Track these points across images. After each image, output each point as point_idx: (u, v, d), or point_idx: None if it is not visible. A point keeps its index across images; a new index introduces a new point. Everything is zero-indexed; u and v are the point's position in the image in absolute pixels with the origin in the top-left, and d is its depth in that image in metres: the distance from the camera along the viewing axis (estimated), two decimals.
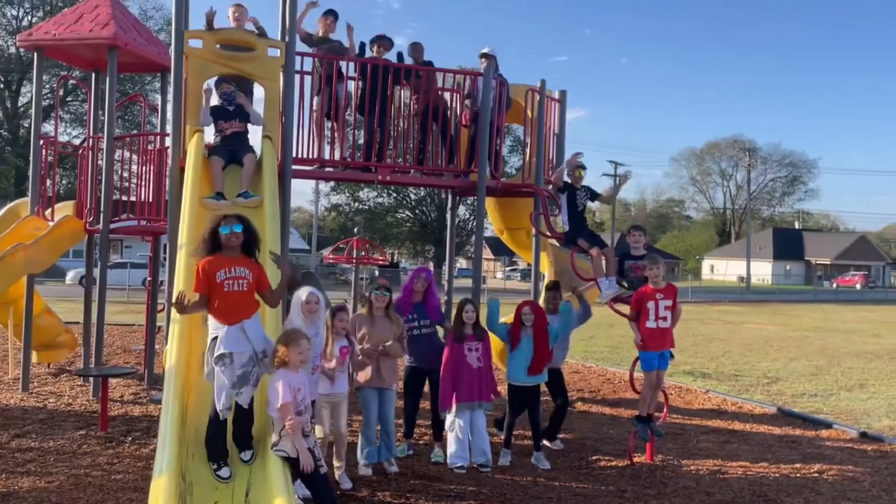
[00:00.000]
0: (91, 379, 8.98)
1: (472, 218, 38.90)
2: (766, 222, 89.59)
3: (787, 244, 77.26)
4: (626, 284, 7.11)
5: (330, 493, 4.74)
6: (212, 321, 4.70)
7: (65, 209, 9.70)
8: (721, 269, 73.40)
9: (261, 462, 4.68)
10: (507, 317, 7.34)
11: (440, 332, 6.86)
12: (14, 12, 44.23)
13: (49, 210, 9.54)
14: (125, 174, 10.84)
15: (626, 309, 6.83)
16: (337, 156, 7.89)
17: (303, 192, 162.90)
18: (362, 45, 7.99)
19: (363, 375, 6.16)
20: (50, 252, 8.87)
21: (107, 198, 8.68)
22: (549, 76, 8.87)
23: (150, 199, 8.70)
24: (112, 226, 8.85)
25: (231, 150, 6.61)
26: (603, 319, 13.62)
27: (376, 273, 33.57)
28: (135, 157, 9.58)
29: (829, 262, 73.61)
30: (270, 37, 7.10)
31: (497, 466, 6.42)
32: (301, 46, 7.41)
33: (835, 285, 61.33)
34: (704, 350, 15.97)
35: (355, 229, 42.44)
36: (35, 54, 9.47)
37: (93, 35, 8.77)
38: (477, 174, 8.04)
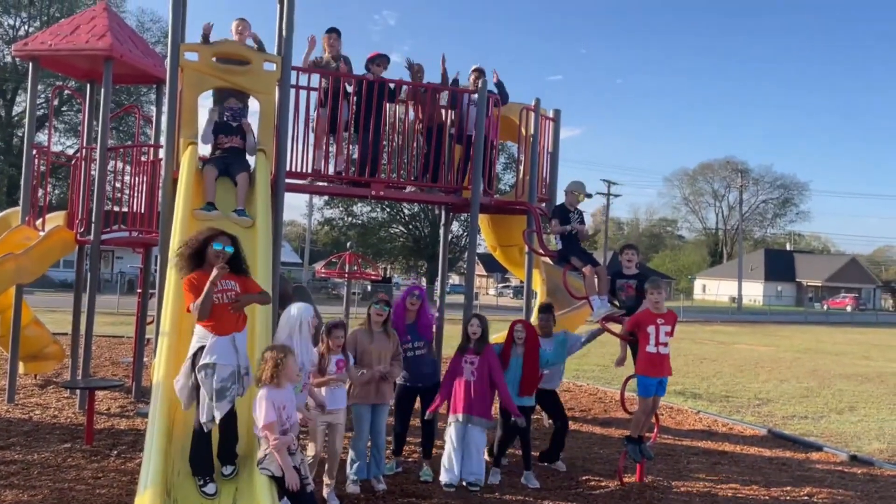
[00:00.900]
0: (78, 391, 8.89)
1: (465, 234, 38.99)
2: (757, 243, 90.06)
3: (779, 265, 77.60)
4: (617, 303, 7.10)
5: None
6: (199, 330, 4.66)
7: (56, 219, 9.65)
8: (713, 289, 73.56)
9: (247, 478, 4.63)
10: (500, 334, 7.32)
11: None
12: (11, 21, 44.34)
13: (40, 220, 9.49)
14: (118, 185, 10.80)
15: (617, 328, 6.81)
16: (331, 171, 7.89)
17: (296, 205, 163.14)
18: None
19: (359, 391, 6.12)
20: (40, 262, 8.80)
21: (98, 208, 8.65)
22: (543, 95, 8.90)
23: (143, 211, 8.67)
24: (103, 237, 8.80)
25: (226, 163, 6.61)
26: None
27: (369, 288, 33.49)
28: (128, 168, 9.57)
29: (819, 284, 73.93)
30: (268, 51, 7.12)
31: (487, 486, 6.36)
32: (297, 61, 7.42)
33: (825, 307, 61.55)
34: (696, 370, 15.97)
35: (348, 244, 42.41)
36: (31, 64, 9.45)
37: (89, 46, 8.78)
38: (470, 191, 8.05)
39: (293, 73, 7.28)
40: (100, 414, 8.31)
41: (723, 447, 8.36)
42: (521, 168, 9.02)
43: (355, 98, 7.72)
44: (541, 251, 7.97)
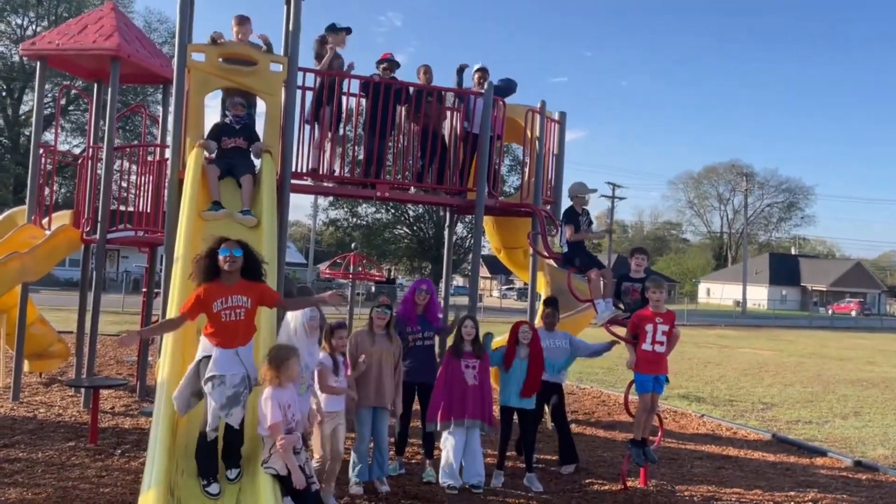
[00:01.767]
0: (82, 389, 8.92)
1: (469, 236, 38.99)
2: (762, 247, 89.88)
3: (784, 269, 77.42)
4: (622, 307, 7.08)
5: None
6: (204, 342, 4.65)
7: (62, 218, 9.68)
8: (717, 292, 73.45)
9: (250, 478, 4.63)
10: (504, 336, 7.31)
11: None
12: (19, 21, 44.51)
13: (46, 219, 9.52)
14: (124, 184, 10.83)
15: (622, 331, 6.80)
16: (337, 171, 7.90)
17: (301, 206, 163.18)
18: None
19: (360, 393, 6.12)
20: (45, 261, 8.84)
21: (105, 208, 8.67)
22: (548, 97, 8.91)
23: (148, 210, 8.69)
24: (109, 236, 8.83)
25: (229, 163, 6.62)
26: (598, 341, 13.57)
27: (373, 289, 33.51)
28: (134, 167, 9.59)
29: (824, 289, 73.72)
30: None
31: (489, 488, 6.36)
32: (303, 62, 7.44)
33: (830, 312, 61.39)
34: (700, 374, 15.93)
35: (353, 244, 42.46)
36: (38, 63, 9.49)
37: (96, 46, 8.81)
38: (475, 193, 8.05)
39: (300, 74, 7.29)
40: (104, 413, 8.33)
41: (727, 451, 8.34)
42: (526, 170, 9.03)
43: (363, 100, 7.73)
44: (545, 254, 7.96)
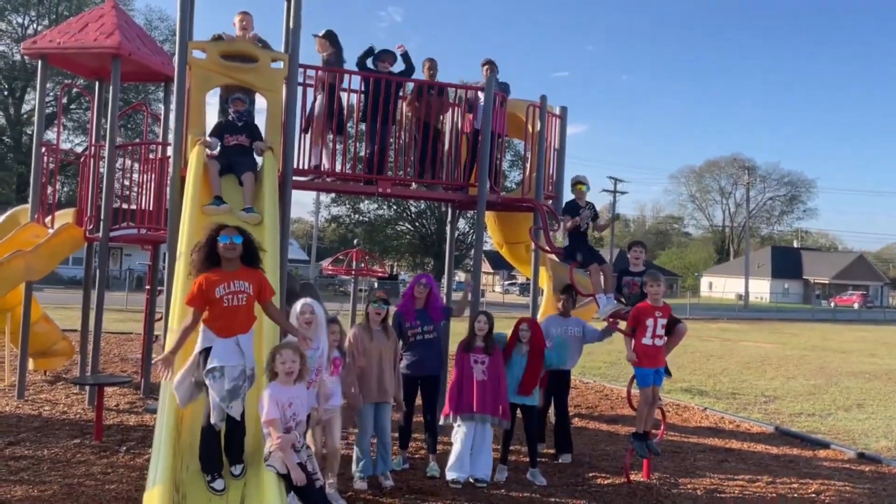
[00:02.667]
0: (87, 387, 8.95)
1: (471, 231, 38.96)
2: (764, 240, 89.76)
3: (786, 263, 77.28)
4: (623, 300, 7.10)
5: None
6: (204, 332, 4.64)
7: (65, 217, 9.70)
8: (719, 286, 73.27)
9: (255, 474, 4.65)
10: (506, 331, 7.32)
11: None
12: (20, 20, 44.54)
13: (49, 217, 9.54)
14: (126, 182, 10.85)
15: (624, 325, 6.82)
16: (338, 168, 7.90)
17: (303, 202, 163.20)
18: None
19: (362, 389, 6.14)
20: (49, 259, 8.87)
21: (107, 206, 8.70)
22: (549, 91, 8.91)
23: (151, 208, 8.71)
24: (112, 234, 8.85)
25: (231, 160, 6.63)
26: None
27: (375, 285, 33.51)
28: (136, 165, 9.60)
29: (827, 282, 73.61)
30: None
31: (493, 482, 6.38)
32: (304, 59, 7.44)
33: (833, 304, 61.28)
34: (702, 367, 15.94)
35: (355, 241, 42.46)
36: (39, 62, 9.50)
37: (97, 44, 8.82)
38: (477, 188, 8.06)
39: (300, 71, 7.29)
40: (109, 410, 8.36)
41: (730, 444, 8.35)
42: (528, 165, 9.03)
43: (363, 96, 7.73)
44: (547, 248, 7.97)
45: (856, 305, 61.82)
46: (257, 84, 7.01)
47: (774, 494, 6.45)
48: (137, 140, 18.91)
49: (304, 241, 70.98)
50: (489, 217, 10.17)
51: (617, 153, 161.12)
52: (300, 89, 7.35)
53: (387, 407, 6.30)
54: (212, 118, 7.10)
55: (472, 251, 11.32)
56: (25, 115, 43.88)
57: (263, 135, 6.90)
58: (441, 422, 6.55)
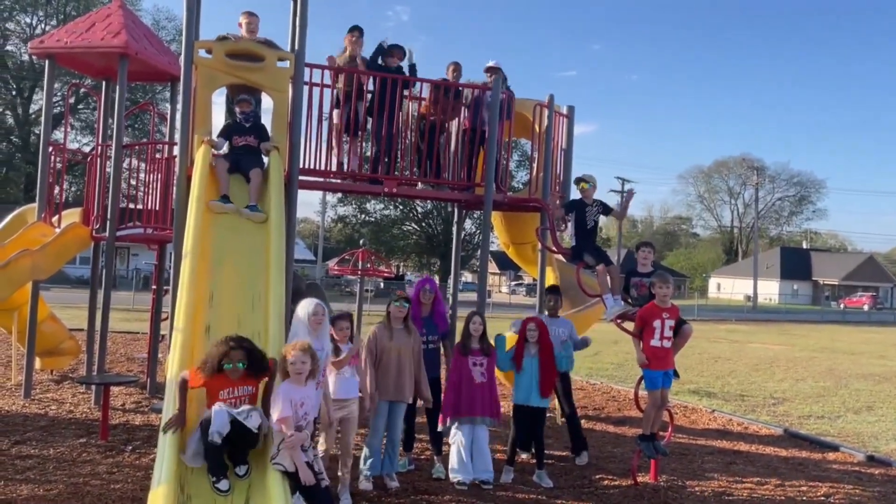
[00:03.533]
0: (93, 386, 8.96)
1: (478, 232, 38.92)
2: (773, 241, 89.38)
3: (795, 263, 76.93)
4: (630, 301, 7.05)
5: None
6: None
7: (71, 216, 9.72)
8: (728, 287, 73.02)
9: (260, 475, 4.63)
10: (511, 332, 7.29)
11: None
12: (28, 20, 44.78)
13: (56, 216, 9.56)
14: (133, 182, 10.87)
15: (631, 326, 6.77)
16: (346, 168, 7.89)
17: (310, 202, 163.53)
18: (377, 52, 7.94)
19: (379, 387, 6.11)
20: (55, 259, 8.88)
21: (114, 205, 8.70)
22: (557, 91, 8.87)
23: (157, 208, 8.72)
24: (118, 233, 8.86)
25: (237, 158, 6.62)
26: (608, 336, 13.55)
27: (381, 285, 33.53)
28: (143, 165, 9.62)
29: (836, 283, 73.22)
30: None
31: (499, 484, 6.35)
32: (310, 58, 7.42)
33: (842, 306, 60.96)
34: (710, 369, 15.86)
35: (361, 241, 42.47)
36: (47, 62, 9.52)
37: (104, 44, 8.82)
38: (483, 188, 8.02)
39: (307, 70, 7.28)
40: (115, 409, 8.37)
41: (738, 447, 8.29)
42: (535, 165, 8.99)
43: (369, 95, 7.71)
44: (554, 249, 7.93)
45: (865, 307, 61.50)
46: (263, 83, 6.99)
47: (783, 497, 6.39)
48: (144, 140, 18.98)
49: (310, 240, 71.05)
50: (496, 217, 10.14)
51: (625, 153, 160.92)
52: (306, 89, 7.33)
53: (401, 406, 6.26)
54: (218, 118, 7.10)
55: (479, 251, 11.29)
56: (33, 115, 44.10)
57: (270, 134, 6.89)
58: (440, 429, 6.52)
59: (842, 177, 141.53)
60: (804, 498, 6.39)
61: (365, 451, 6.19)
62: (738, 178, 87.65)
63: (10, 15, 44.04)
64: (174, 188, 7.08)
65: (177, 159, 6.93)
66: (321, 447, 5.75)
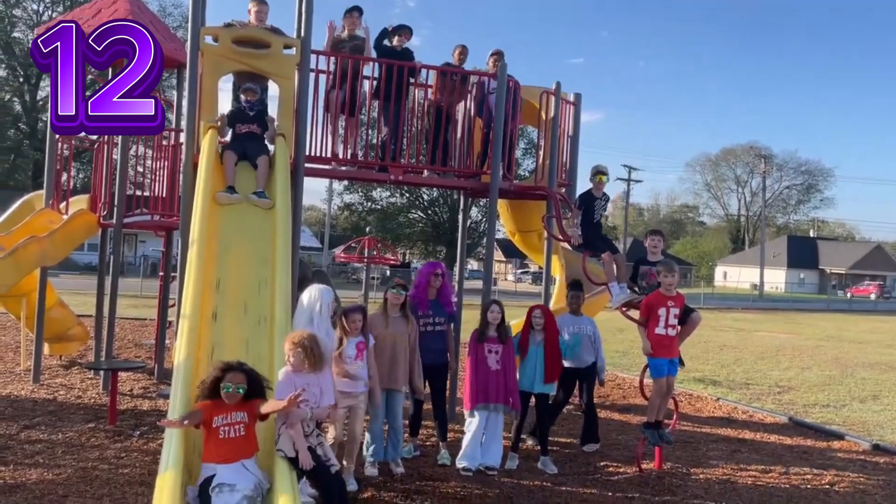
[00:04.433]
0: (101, 372, 9.03)
1: (484, 219, 38.84)
2: (780, 230, 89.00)
3: (802, 252, 76.64)
4: (637, 290, 7.04)
5: (340, 492, 4.68)
6: (204, 468, 4.38)
7: (79, 203, 9.76)
8: (734, 276, 72.79)
9: (266, 462, 4.65)
10: (518, 320, 7.31)
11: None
12: (35, 6, 44.72)
13: (64, 203, 9.60)
14: (140, 169, 10.89)
15: (636, 314, 6.77)
16: (351, 154, 7.88)
17: (316, 190, 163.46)
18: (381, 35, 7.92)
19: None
20: (63, 245, 8.93)
21: (121, 192, 8.73)
22: (564, 78, 8.83)
23: (164, 195, 8.74)
24: (125, 220, 8.89)
25: (243, 146, 6.62)
26: (613, 324, 13.57)
27: (387, 273, 33.58)
28: (149, 152, 9.63)
29: (843, 272, 72.94)
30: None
31: (504, 470, 6.38)
32: (316, 45, 7.40)
33: (849, 295, 60.72)
34: (716, 357, 15.85)
35: (367, 229, 42.48)
36: None
37: None
38: (490, 176, 8.01)
39: (313, 57, 7.26)
40: (122, 395, 8.43)
41: (742, 434, 8.30)
42: (541, 153, 8.96)
43: (375, 81, 7.69)
44: (560, 237, 7.91)
45: (872, 296, 61.30)
46: (270, 70, 6.98)
47: (787, 485, 6.40)
48: None
49: (316, 228, 71.17)
50: (502, 205, 10.12)
51: (632, 141, 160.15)
52: (312, 75, 7.31)
53: (398, 394, 6.30)
54: (224, 105, 7.09)
55: (485, 239, 11.29)
56: (41, 102, 44.16)
57: (276, 121, 6.88)
58: (466, 415, 6.53)
59: (850, 165, 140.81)
60: (808, 486, 6.41)
61: (367, 438, 6.23)
62: (746, 167, 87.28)
63: (17, 2, 44.02)
64: (181, 175, 7.09)
65: (183, 146, 6.94)
66: (330, 435, 5.79)
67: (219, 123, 6.67)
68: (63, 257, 9.51)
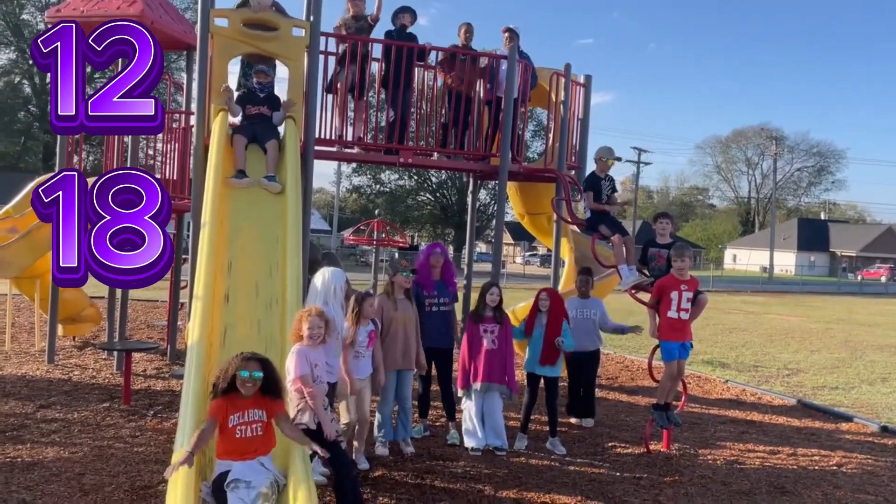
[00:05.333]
0: (115, 353, 9.14)
1: (493, 202, 38.79)
2: (791, 212, 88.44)
3: (812, 235, 76.20)
4: (646, 273, 7.05)
5: (349, 468, 4.75)
6: (219, 464, 4.25)
7: None
8: (744, 258, 72.55)
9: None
10: (526, 302, 7.34)
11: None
12: None
13: None
14: (150, 152, 10.93)
15: (646, 297, 6.78)
16: (359, 137, 7.89)
17: (325, 173, 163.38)
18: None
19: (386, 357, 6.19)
20: None
21: None
22: (574, 59, 8.80)
23: (175, 177, 8.78)
24: None
25: (254, 130, 6.64)
26: (622, 307, 13.56)
27: (396, 255, 33.61)
28: (160, 134, 9.66)
29: (854, 254, 72.52)
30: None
31: (513, 450, 6.45)
32: (325, 27, 7.39)
33: (859, 277, 60.37)
34: (725, 340, 15.85)
35: (376, 211, 42.52)
36: None
37: (120, 13, 8.79)
38: (499, 158, 8.00)
39: (322, 39, 7.25)
40: (136, 375, 8.54)
41: (751, 416, 8.33)
42: (551, 135, 8.94)
43: (384, 64, 7.67)
44: (569, 219, 7.92)
45: (883, 279, 60.95)
46: (279, 52, 6.98)
47: (795, 466, 6.44)
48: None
49: (325, 211, 71.26)
50: (511, 187, 10.12)
51: (642, 123, 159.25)
52: (321, 58, 7.30)
53: (409, 374, 6.36)
54: (233, 87, 7.09)
55: (494, 222, 11.29)
56: (50, 85, 44.22)
57: (294, 103, 6.89)
58: (460, 394, 6.61)
59: (862, 147, 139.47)
60: (816, 467, 6.44)
61: (377, 418, 6.30)
62: (757, 149, 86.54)
63: None
64: (191, 158, 7.13)
65: (194, 129, 6.96)
66: (343, 420, 5.84)
67: (224, 94, 6.65)
68: None
